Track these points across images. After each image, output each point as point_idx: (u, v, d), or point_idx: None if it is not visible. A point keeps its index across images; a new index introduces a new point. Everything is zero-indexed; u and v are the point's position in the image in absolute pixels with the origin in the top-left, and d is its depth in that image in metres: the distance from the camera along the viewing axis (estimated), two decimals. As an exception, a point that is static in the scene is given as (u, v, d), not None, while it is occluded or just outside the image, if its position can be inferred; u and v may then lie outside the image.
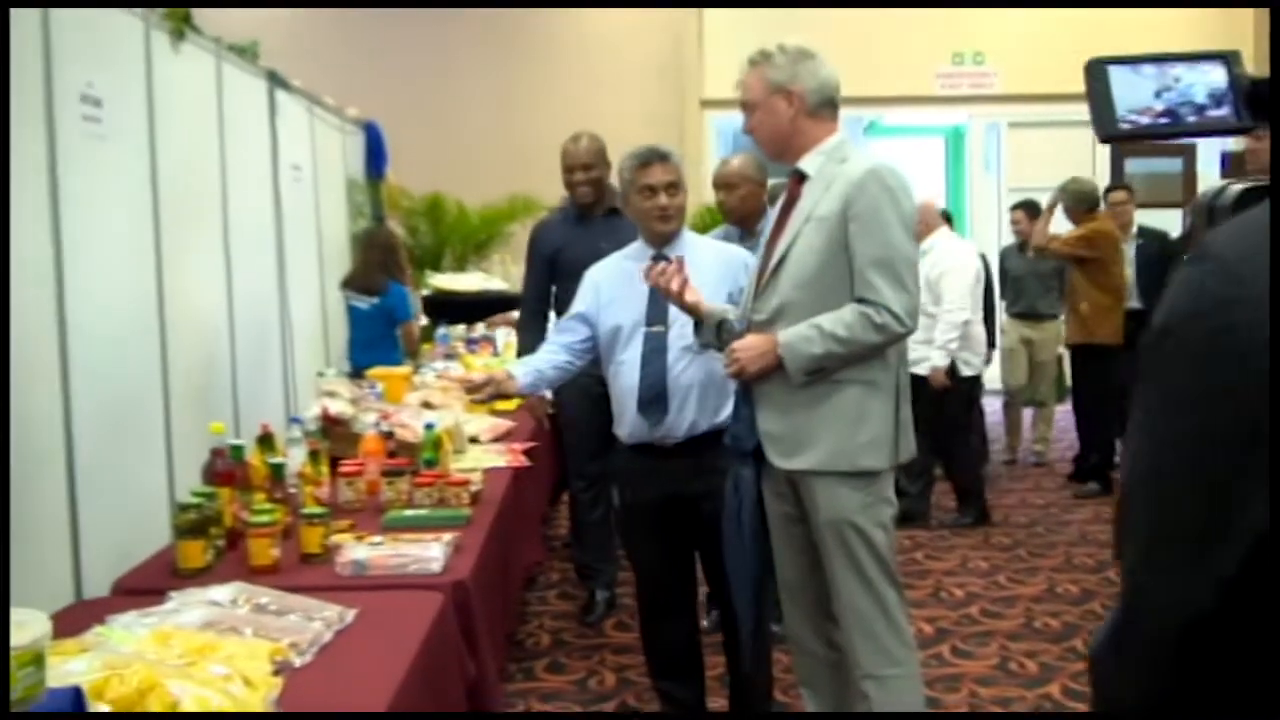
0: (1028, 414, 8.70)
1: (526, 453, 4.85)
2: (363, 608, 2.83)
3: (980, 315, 6.84)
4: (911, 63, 11.22)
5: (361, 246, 6.48)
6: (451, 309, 7.83)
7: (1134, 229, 7.91)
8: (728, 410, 3.55)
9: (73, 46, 3.20)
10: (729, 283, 3.64)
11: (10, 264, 2.81)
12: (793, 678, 3.62)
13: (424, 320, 7.16)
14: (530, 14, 11.45)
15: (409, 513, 3.76)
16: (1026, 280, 8.20)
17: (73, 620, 2.65)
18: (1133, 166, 11.01)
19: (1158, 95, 1.17)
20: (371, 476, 3.99)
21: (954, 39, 11.46)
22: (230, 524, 3.42)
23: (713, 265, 3.71)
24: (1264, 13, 9.39)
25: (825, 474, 3.10)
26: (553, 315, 5.16)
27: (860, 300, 3.05)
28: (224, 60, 4.66)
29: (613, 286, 3.79)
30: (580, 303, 3.83)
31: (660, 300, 3.64)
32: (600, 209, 5.08)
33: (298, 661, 2.49)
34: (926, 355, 6.36)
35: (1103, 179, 9.11)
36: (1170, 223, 8.63)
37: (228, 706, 2.09)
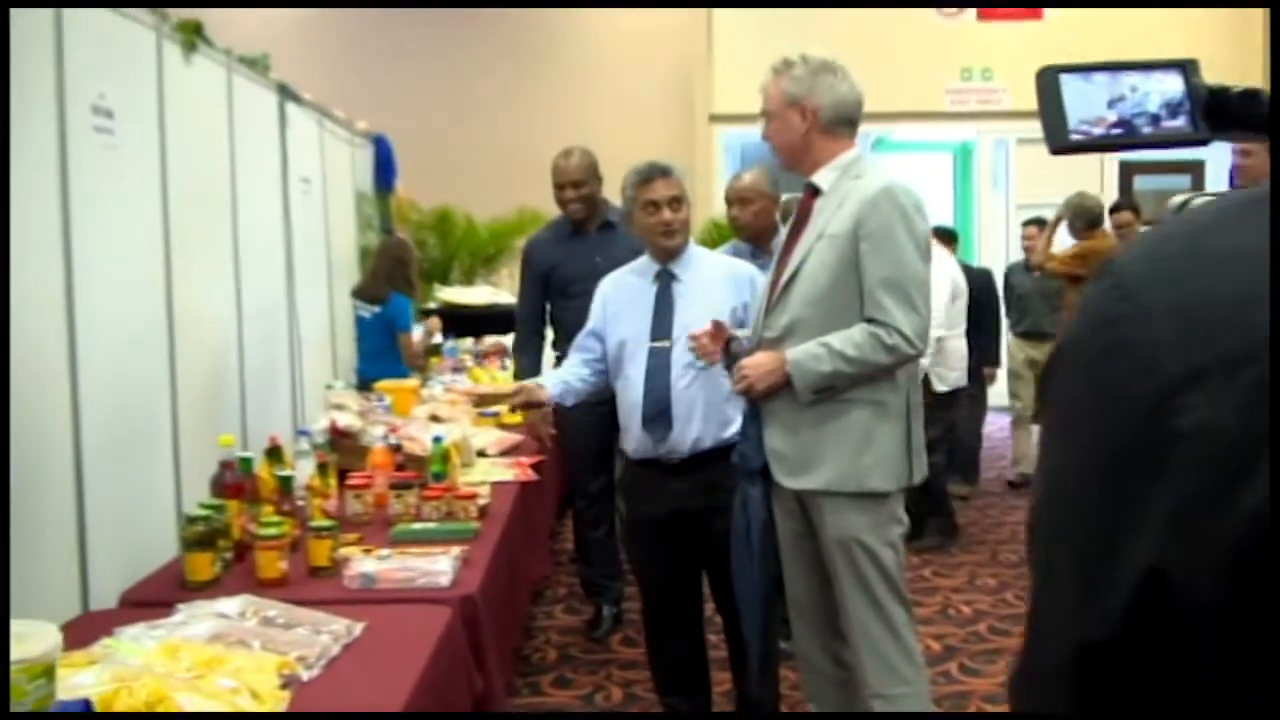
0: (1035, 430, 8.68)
1: (534, 466, 4.84)
2: (371, 621, 2.82)
3: (960, 330, 6.75)
4: (920, 78, 11.22)
5: (374, 255, 6.58)
6: (460, 322, 7.83)
7: None
8: (733, 427, 3.55)
9: (85, 58, 3.21)
10: (734, 298, 3.64)
11: (20, 272, 2.81)
12: (800, 694, 3.61)
13: (437, 337, 7.11)
14: (540, 29, 11.49)
15: (417, 526, 3.76)
16: (1031, 299, 8.10)
17: (80, 632, 2.64)
18: (1141, 183, 10.99)
19: (1110, 105, 1.13)
20: (379, 489, 3.98)
21: (963, 55, 11.48)
22: (238, 536, 3.42)
23: (719, 281, 3.71)
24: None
25: (833, 494, 3.09)
26: (550, 334, 5.16)
27: (870, 320, 3.02)
28: (235, 72, 4.67)
29: (619, 300, 3.79)
30: (592, 318, 3.85)
31: (665, 315, 3.64)
32: (594, 224, 5.03)
33: (305, 675, 2.48)
34: None
35: (1110, 196, 9.10)
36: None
37: (236, 720, 2.09)
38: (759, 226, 4.78)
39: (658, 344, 3.66)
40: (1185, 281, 0.61)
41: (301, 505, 3.74)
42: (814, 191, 3.21)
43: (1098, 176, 10.62)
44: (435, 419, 5.14)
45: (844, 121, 3.19)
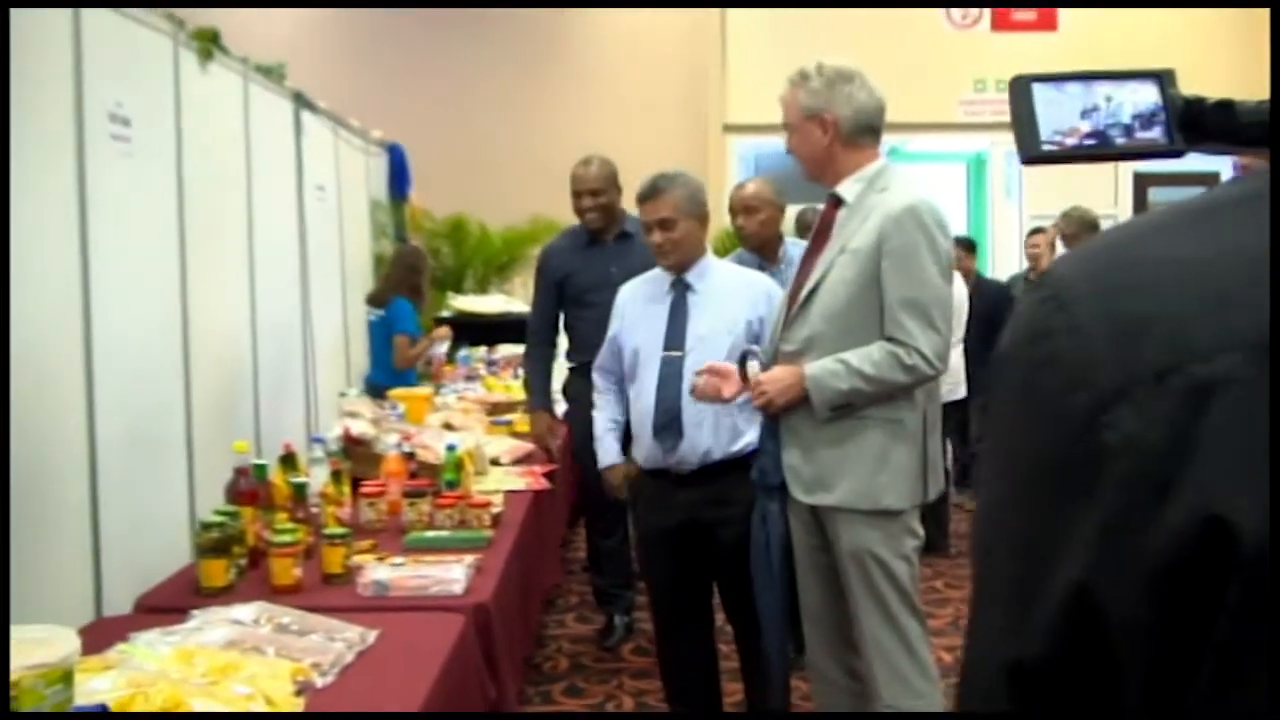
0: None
1: (547, 475, 4.84)
2: (384, 629, 2.82)
3: (957, 338, 6.72)
4: (934, 89, 11.21)
5: (387, 262, 6.66)
6: (473, 331, 7.83)
7: None
8: (743, 439, 3.55)
9: (103, 66, 3.22)
10: (749, 312, 3.63)
11: (37, 278, 2.83)
12: (810, 705, 3.60)
13: (444, 346, 7.08)
14: (554, 39, 11.51)
15: (430, 534, 3.76)
16: None
17: (95, 637, 2.64)
18: (1156, 195, 10.96)
19: (1084, 115, 1.10)
20: (393, 497, 3.99)
21: (976, 66, 11.47)
22: (253, 543, 3.42)
23: (734, 293, 3.69)
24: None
25: (847, 510, 3.07)
26: (563, 344, 5.15)
27: (889, 339, 2.99)
28: (251, 81, 4.69)
29: (635, 308, 3.80)
30: (611, 325, 3.88)
31: (679, 325, 3.64)
32: (611, 234, 4.99)
33: (320, 682, 2.49)
34: None
35: (1125, 209, 9.08)
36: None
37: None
38: (767, 236, 4.73)
39: (670, 354, 3.66)
40: (1119, 292, 0.60)
41: (315, 512, 3.74)
42: (837, 202, 3.17)
43: (1112, 189, 10.59)
44: (449, 427, 5.15)
45: (866, 130, 3.15)
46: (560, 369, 5.30)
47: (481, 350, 7.71)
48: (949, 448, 7.07)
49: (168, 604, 3.10)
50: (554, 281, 5.06)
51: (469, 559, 3.37)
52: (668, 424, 3.62)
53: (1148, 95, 1.11)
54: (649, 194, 3.71)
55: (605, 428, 4.02)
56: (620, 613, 5.22)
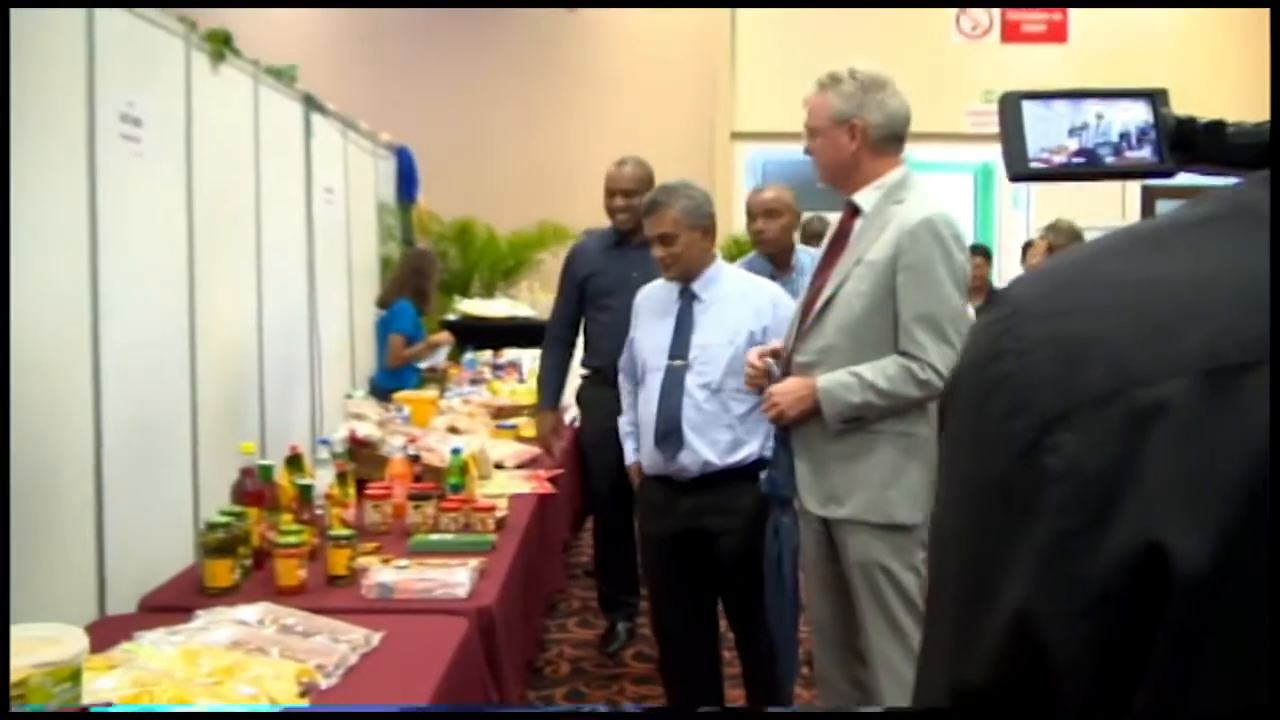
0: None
1: (551, 480, 4.85)
2: (388, 631, 2.82)
3: None
4: (942, 100, 11.20)
5: (395, 264, 6.73)
6: (478, 335, 7.84)
7: None
8: (745, 450, 3.56)
9: (115, 66, 3.23)
10: (753, 322, 3.62)
11: (46, 275, 2.84)
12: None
13: (440, 357, 7.07)
14: (563, 44, 11.52)
15: (434, 537, 3.76)
16: None
17: (99, 636, 2.64)
18: (1164, 208, 10.90)
19: (1072, 133, 1.09)
20: (398, 500, 3.99)
21: (985, 77, 11.47)
22: (257, 544, 3.43)
23: (738, 302, 3.69)
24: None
25: (858, 522, 3.06)
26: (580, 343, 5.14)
27: (903, 353, 2.98)
28: (261, 83, 4.70)
29: (648, 311, 3.82)
30: (632, 326, 3.92)
31: (683, 334, 3.65)
32: (638, 237, 4.98)
33: (324, 683, 2.49)
34: None
35: (1132, 221, 9.06)
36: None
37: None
38: (784, 241, 4.72)
39: (674, 363, 3.66)
40: (1065, 314, 0.59)
41: (320, 514, 3.75)
42: (853, 210, 3.14)
43: (1119, 201, 10.58)
44: (454, 430, 5.15)
45: (893, 139, 3.11)
46: (574, 372, 5.27)
47: (487, 354, 7.71)
48: None
49: (172, 604, 3.11)
50: (577, 281, 5.04)
51: (473, 562, 3.37)
52: (669, 432, 3.62)
53: (1139, 114, 1.10)
54: (649, 209, 3.73)
55: (625, 431, 4.05)
56: (623, 619, 5.21)
